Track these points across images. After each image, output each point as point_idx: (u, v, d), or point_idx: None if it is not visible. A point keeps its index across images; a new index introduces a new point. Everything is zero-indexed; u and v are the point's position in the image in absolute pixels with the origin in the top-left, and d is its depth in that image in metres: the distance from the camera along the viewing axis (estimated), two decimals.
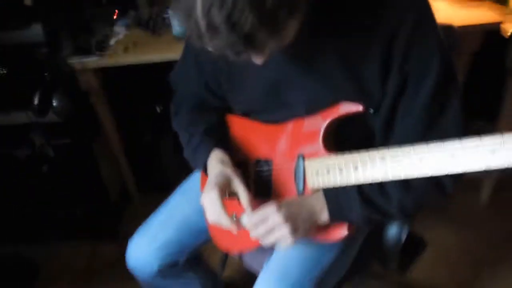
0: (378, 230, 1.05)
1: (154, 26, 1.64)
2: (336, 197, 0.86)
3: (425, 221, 1.82)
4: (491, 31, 1.41)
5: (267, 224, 0.84)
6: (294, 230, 0.84)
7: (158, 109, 1.83)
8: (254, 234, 0.86)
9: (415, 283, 1.65)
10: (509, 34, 1.28)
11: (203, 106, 1.08)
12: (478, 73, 1.81)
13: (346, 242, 0.99)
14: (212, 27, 0.61)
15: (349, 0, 0.78)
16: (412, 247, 1.15)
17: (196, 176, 1.18)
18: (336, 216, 0.87)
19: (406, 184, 0.83)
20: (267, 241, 0.86)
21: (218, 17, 0.60)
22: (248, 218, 0.86)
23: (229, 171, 0.91)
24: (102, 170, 1.83)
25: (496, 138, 0.65)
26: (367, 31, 0.78)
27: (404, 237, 1.03)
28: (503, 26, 1.34)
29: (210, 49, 0.67)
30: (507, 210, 1.89)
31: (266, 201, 0.94)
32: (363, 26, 0.78)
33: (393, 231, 1.04)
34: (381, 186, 0.84)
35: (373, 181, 0.80)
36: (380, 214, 0.86)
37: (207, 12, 0.60)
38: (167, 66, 1.16)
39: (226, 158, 0.95)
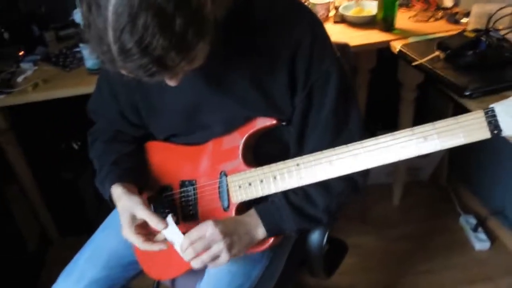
0: (302, 239, 1.11)
1: (65, 61, 1.61)
2: (268, 210, 0.91)
3: (347, 227, 1.94)
4: (384, 52, 1.60)
5: (204, 240, 0.85)
6: (230, 246, 0.86)
7: (75, 145, 1.77)
8: (191, 251, 0.85)
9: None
10: (397, 50, 1.45)
11: (119, 136, 1.08)
12: (378, 87, 2.02)
13: (273, 253, 1.03)
14: (124, 51, 0.63)
15: (253, 21, 0.85)
16: (335, 251, 1.22)
17: (116, 211, 1.16)
18: (272, 229, 0.91)
19: (326, 188, 0.90)
20: (203, 259, 0.86)
21: (129, 41, 0.62)
22: (186, 236, 0.86)
23: (128, 204, 0.92)
24: (17, 216, 1.71)
25: (388, 136, 0.75)
26: (271, 50, 0.85)
27: (325, 242, 1.10)
28: (392, 43, 1.53)
29: (123, 72, 0.69)
30: (415, 209, 2.08)
31: (194, 221, 0.96)
32: (267, 46, 0.85)
33: (315, 237, 1.10)
34: (306, 194, 0.91)
35: (292, 187, 0.86)
36: (310, 220, 0.93)
37: (119, 37, 0.62)
38: (83, 100, 1.14)
39: (124, 191, 0.94)
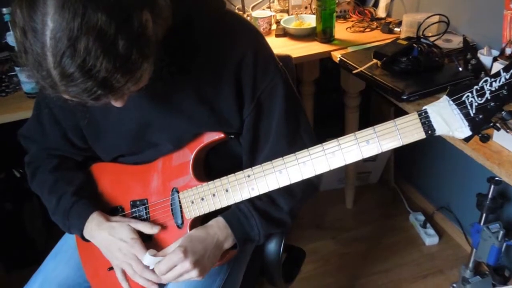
0: (260, 248, 1.12)
1: (0, 85, 1.53)
2: (237, 220, 0.91)
3: (303, 234, 1.98)
4: (327, 63, 1.65)
5: (174, 272, 0.85)
6: (201, 272, 0.86)
7: (17, 173, 1.68)
8: (163, 279, 0.88)
9: None
10: (338, 59, 1.51)
11: (65, 163, 1.04)
12: (325, 96, 2.09)
13: (232, 265, 1.03)
14: (66, 76, 0.62)
15: (194, 40, 0.85)
16: (293, 259, 1.23)
17: (69, 235, 1.12)
18: (241, 239, 0.91)
19: (289, 192, 0.92)
20: (175, 282, 0.88)
21: (71, 66, 0.61)
22: (156, 267, 0.87)
23: (125, 223, 0.94)
24: None
25: (334, 142, 0.78)
26: (215, 67, 0.86)
27: (282, 250, 1.11)
28: (333, 53, 1.59)
29: (66, 97, 0.67)
30: (368, 211, 2.16)
31: (148, 242, 0.94)
32: (211, 63, 0.86)
33: (272, 246, 1.11)
34: (270, 198, 0.93)
35: (245, 199, 0.87)
36: (277, 224, 0.94)
37: (59, 62, 0.61)
38: (23, 125, 1.09)
39: (101, 219, 0.95)
